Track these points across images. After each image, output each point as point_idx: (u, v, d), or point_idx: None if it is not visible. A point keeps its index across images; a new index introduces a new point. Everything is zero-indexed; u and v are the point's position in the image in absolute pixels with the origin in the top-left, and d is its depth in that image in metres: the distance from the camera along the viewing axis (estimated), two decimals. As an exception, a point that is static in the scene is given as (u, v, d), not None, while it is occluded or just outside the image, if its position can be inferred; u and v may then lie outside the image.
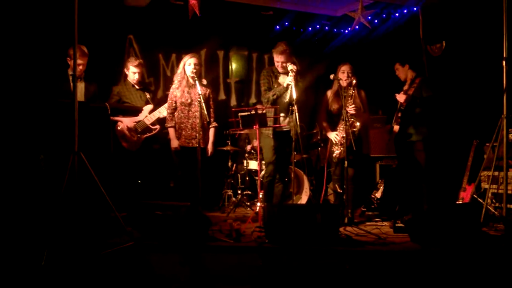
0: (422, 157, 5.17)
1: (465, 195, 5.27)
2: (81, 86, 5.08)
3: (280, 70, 5.02)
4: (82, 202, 3.79)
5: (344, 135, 4.93)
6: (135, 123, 5.26)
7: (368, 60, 6.93)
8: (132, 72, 5.32)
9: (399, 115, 5.27)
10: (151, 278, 3.61)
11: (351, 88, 5.09)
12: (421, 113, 5.18)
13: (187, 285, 3.53)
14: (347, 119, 4.90)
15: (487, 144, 5.18)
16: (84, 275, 3.40)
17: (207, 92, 5.10)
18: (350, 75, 5.13)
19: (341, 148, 5.00)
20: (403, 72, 5.38)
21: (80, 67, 5.00)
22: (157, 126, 5.32)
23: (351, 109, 5.02)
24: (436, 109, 5.35)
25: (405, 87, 5.32)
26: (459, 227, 3.97)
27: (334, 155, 5.13)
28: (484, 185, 5.22)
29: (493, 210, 4.93)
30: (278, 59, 4.97)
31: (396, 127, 5.27)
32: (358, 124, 5.07)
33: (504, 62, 4.46)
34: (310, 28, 7.35)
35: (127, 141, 5.22)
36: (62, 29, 4.34)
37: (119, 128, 5.20)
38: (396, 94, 5.24)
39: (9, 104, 4.99)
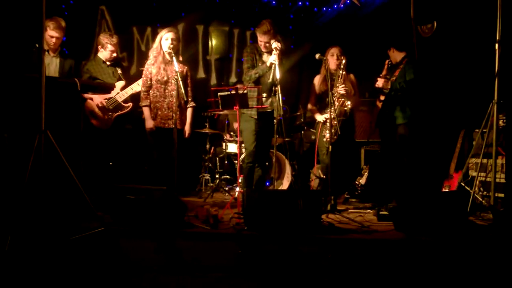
0: (405, 141, 5.23)
1: (452, 182, 5.36)
2: (55, 62, 4.98)
3: (263, 49, 5.00)
4: (49, 185, 3.74)
5: (334, 116, 4.93)
6: (106, 100, 5.17)
7: (356, 39, 6.93)
8: (110, 51, 5.22)
9: (382, 98, 5.37)
10: (122, 265, 3.60)
11: (341, 69, 5.10)
12: (404, 96, 5.23)
13: (161, 273, 3.54)
14: (332, 101, 4.91)
15: (476, 130, 5.25)
16: (51, 262, 3.37)
17: (185, 70, 5.05)
18: (339, 57, 5.16)
19: (332, 131, 5.01)
20: (393, 56, 5.44)
21: (54, 39, 4.90)
22: (130, 104, 5.25)
23: (341, 89, 5.04)
24: (421, 92, 5.40)
25: (384, 72, 5.38)
26: (445, 215, 4.02)
27: (325, 139, 5.14)
28: (472, 173, 5.31)
29: (481, 199, 5.02)
30: (261, 38, 4.95)
31: (378, 104, 5.39)
32: (348, 103, 5.09)
33: (497, 45, 4.50)
34: (296, 4, 7.30)
35: (97, 119, 5.13)
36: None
37: (88, 104, 5.11)
38: (377, 78, 5.31)
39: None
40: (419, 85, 5.27)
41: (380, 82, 5.30)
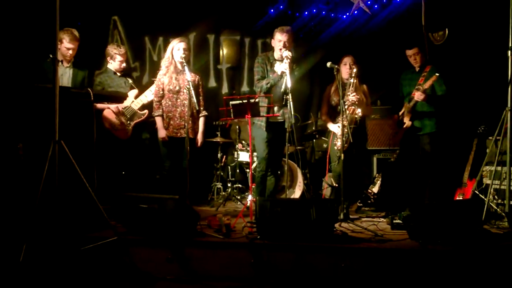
0: (428, 151, 5.24)
1: (466, 191, 5.32)
2: (69, 72, 5.04)
3: (277, 52, 4.96)
4: (63, 194, 3.77)
5: (345, 124, 4.92)
6: (123, 109, 5.23)
7: (368, 47, 6.93)
8: (119, 61, 5.31)
9: (410, 109, 5.32)
10: (135, 275, 3.61)
11: (352, 77, 5.09)
12: (434, 107, 5.24)
13: (174, 282, 3.55)
14: (344, 109, 4.90)
15: (490, 137, 5.22)
16: (65, 272, 3.39)
17: (197, 79, 5.07)
18: (352, 66, 5.16)
19: (344, 139, 5.00)
20: (412, 58, 5.39)
21: (70, 51, 4.96)
22: (146, 111, 5.30)
23: (352, 97, 5.02)
24: (448, 102, 5.37)
25: (421, 81, 5.26)
26: (460, 224, 4.00)
27: (336, 147, 5.13)
28: (486, 181, 5.26)
29: (495, 207, 4.97)
30: (281, 37, 4.91)
31: (408, 123, 5.32)
32: (359, 111, 5.07)
33: (509, 52, 4.49)
34: (306, 13, 7.32)
35: (118, 130, 5.20)
36: (45, 11, 4.29)
37: (106, 116, 5.16)
38: (414, 93, 5.23)
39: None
40: (449, 96, 5.23)
41: (420, 97, 5.16)
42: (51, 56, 3.80)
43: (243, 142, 6.46)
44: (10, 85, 4.74)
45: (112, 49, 5.33)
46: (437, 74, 5.09)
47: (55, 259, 3.45)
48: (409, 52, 5.39)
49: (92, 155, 4.55)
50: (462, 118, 6.04)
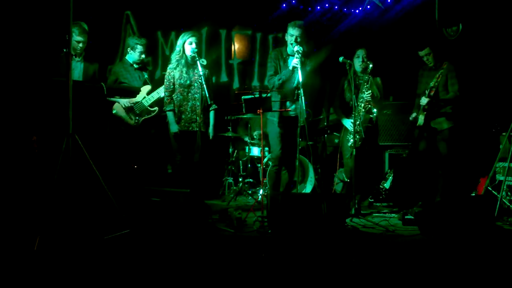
0: (442, 148, 5.24)
1: (479, 187, 5.29)
2: (80, 66, 5.05)
3: (290, 47, 4.95)
4: (76, 187, 3.81)
5: (358, 121, 4.93)
6: (133, 105, 5.24)
7: (381, 42, 6.90)
8: (139, 52, 5.29)
9: (426, 106, 5.27)
10: (147, 267, 3.65)
11: (367, 73, 5.08)
12: (450, 104, 5.24)
13: (185, 275, 3.57)
14: (356, 105, 4.90)
15: (503, 133, 5.19)
16: (78, 262, 3.44)
17: (206, 73, 5.08)
18: (365, 59, 5.15)
19: (357, 136, 5.00)
20: (427, 58, 5.37)
21: (80, 44, 4.98)
22: (156, 108, 5.30)
23: (367, 95, 5.02)
24: (463, 98, 5.35)
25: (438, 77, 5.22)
26: (472, 220, 3.99)
27: (350, 144, 5.13)
28: (499, 177, 5.24)
29: (508, 203, 4.95)
30: (294, 32, 4.89)
31: (421, 120, 5.30)
32: (375, 111, 5.08)
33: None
34: (318, 7, 7.31)
35: (125, 124, 5.21)
36: (58, 5, 4.32)
37: (114, 111, 5.18)
38: (422, 97, 5.24)
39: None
40: (459, 98, 5.22)
41: (423, 101, 5.21)
42: (65, 50, 3.84)
43: (254, 136, 6.46)
44: (24, 78, 4.79)
45: (133, 39, 5.34)
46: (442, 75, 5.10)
47: (69, 249, 3.50)
48: (421, 53, 5.36)
49: (105, 148, 4.60)
50: (476, 115, 6.01)
